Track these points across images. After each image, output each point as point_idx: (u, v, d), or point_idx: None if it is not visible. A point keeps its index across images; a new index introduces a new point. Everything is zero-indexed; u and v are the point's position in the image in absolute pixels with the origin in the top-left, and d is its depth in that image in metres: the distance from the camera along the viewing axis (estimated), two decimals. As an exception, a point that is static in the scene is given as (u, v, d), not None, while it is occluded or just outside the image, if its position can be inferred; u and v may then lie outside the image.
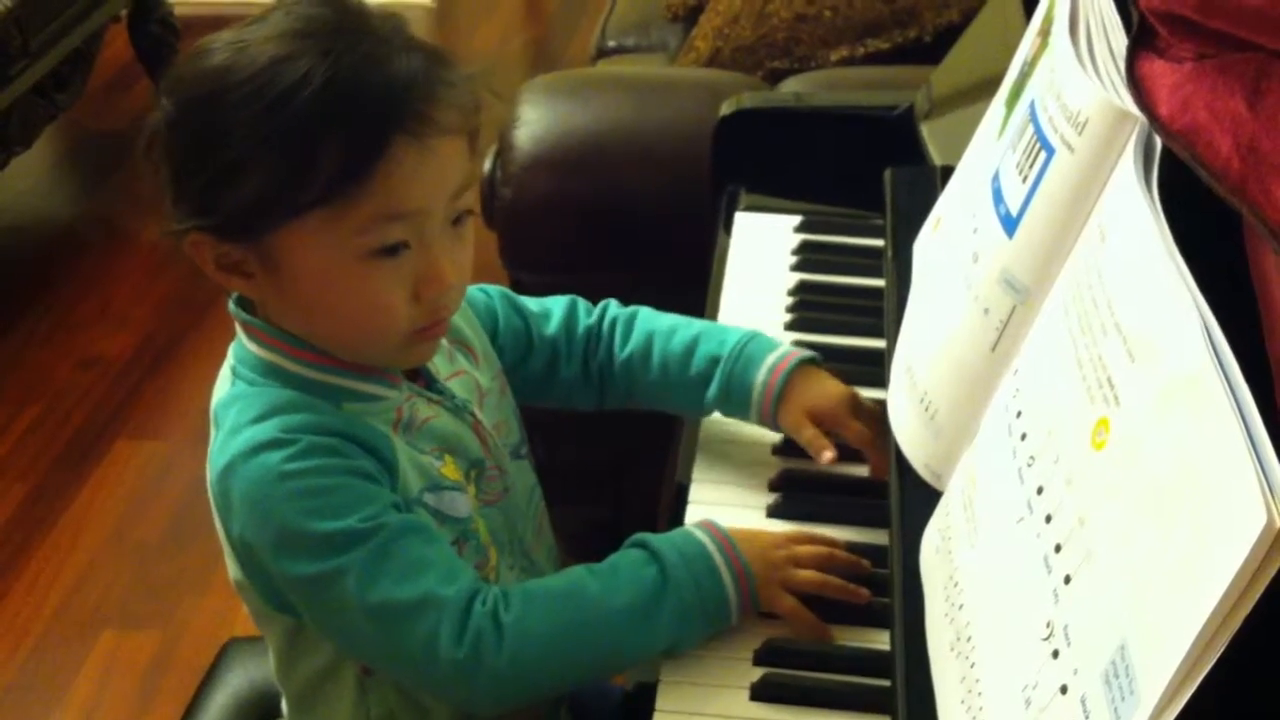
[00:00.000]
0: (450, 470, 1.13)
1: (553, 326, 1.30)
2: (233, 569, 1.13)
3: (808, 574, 1.10)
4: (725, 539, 1.09)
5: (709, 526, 1.10)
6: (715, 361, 1.27)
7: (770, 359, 1.26)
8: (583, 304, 1.33)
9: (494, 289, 1.30)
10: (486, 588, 1.05)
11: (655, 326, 1.30)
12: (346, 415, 1.07)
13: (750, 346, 1.27)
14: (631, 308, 1.33)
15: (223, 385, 1.11)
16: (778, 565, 1.09)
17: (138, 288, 3.13)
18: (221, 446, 1.06)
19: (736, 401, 1.26)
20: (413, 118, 1.00)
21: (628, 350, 1.29)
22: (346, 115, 0.99)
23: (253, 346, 1.10)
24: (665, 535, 1.10)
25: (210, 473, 1.08)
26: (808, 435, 1.23)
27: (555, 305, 1.32)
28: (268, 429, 1.04)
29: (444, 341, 1.16)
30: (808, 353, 1.28)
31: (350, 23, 1.03)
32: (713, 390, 1.26)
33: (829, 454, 1.21)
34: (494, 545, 1.16)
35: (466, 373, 1.20)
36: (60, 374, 2.89)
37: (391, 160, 0.99)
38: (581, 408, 1.34)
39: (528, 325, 1.30)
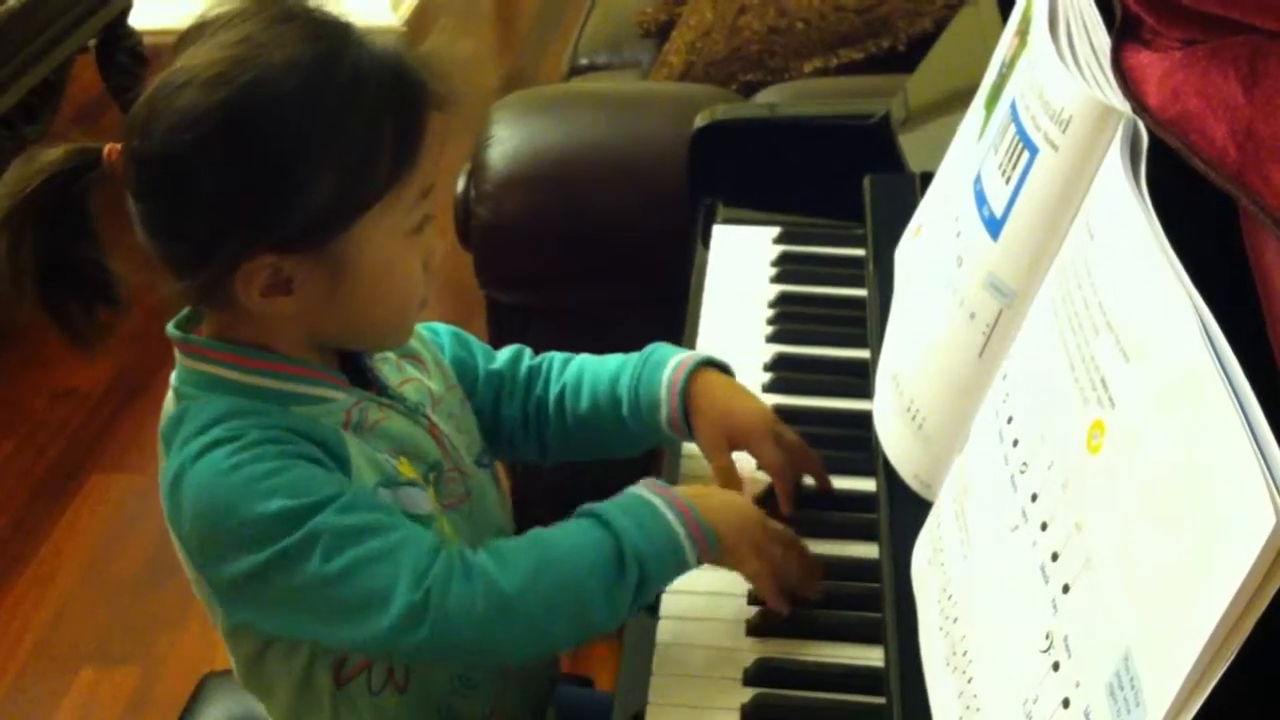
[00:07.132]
0: (406, 469, 1.11)
1: (498, 363, 1.29)
2: (198, 589, 1.10)
3: (781, 548, 1.08)
4: (668, 491, 1.07)
5: (655, 487, 1.08)
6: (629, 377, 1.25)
7: (675, 359, 1.23)
8: (528, 350, 1.31)
9: (441, 326, 1.29)
10: (449, 543, 1.04)
11: (589, 363, 1.28)
12: (295, 416, 1.05)
13: (657, 353, 1.25)
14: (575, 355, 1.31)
15: (167, 409, 1.09)
16: (751, 526, 1.07)
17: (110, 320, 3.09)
18: (170, 460, 1.04)
19: (646, 409, 1.22)
20: (436, 92, 1.04)
21: (560, 383, 1.27)
22: (398, 100, 1.02)
23: (194, 364, 1.08)
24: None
25: (162, 488, 1.05)
26: (720, 465, 1.20)
27: (503, 349, 1.31)
28: (214, 433, 1.02)
29: (390, 354, 1.17)
30: (715, 356, 1.25)
31: (331, 18, 1.03)
32: (625, 407, 1.23)
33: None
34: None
35: (418, 380, 1.18)
36: (35, 407, 2.85)
37: (428, 136, 1.04)
38: (525, 458, 1.31)
39: (474, 359, 1.28)
